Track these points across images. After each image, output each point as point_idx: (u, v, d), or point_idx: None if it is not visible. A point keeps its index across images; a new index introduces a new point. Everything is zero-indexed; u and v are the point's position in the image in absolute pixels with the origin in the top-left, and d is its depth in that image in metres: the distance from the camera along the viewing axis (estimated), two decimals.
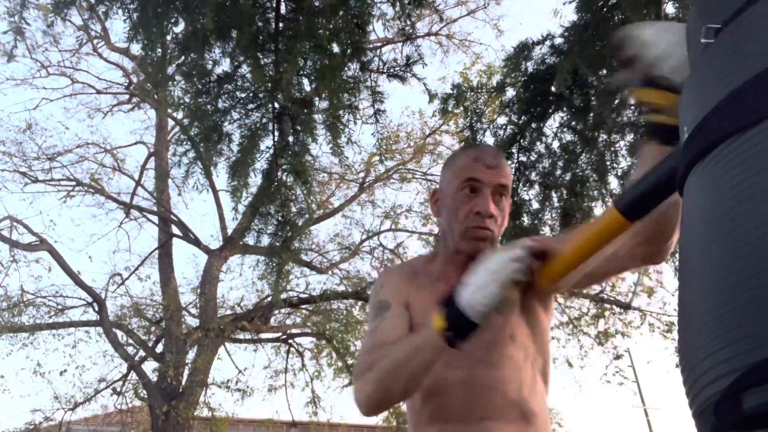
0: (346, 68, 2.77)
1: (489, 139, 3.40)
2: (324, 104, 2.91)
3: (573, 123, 3.24)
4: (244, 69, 2.76)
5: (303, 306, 9.80)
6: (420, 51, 2.86)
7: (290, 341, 9.99)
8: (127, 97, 10.80)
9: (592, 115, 3.13)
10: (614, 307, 8.70)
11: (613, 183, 3.34)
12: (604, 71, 3.09)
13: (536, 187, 3.35)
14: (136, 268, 9.95)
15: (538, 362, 1.15)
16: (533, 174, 3.32)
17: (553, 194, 3.33)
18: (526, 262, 0.94)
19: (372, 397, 1.04)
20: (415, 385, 1.02)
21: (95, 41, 10.04)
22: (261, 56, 2.67)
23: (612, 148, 3.35)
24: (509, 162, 3.32)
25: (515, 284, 0.94)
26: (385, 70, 2.89)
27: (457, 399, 1.07)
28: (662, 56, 0.85)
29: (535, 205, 3.34)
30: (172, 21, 2.53)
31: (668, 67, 0.85)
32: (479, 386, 1.07)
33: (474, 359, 1.08)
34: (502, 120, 3.37)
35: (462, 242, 1.15)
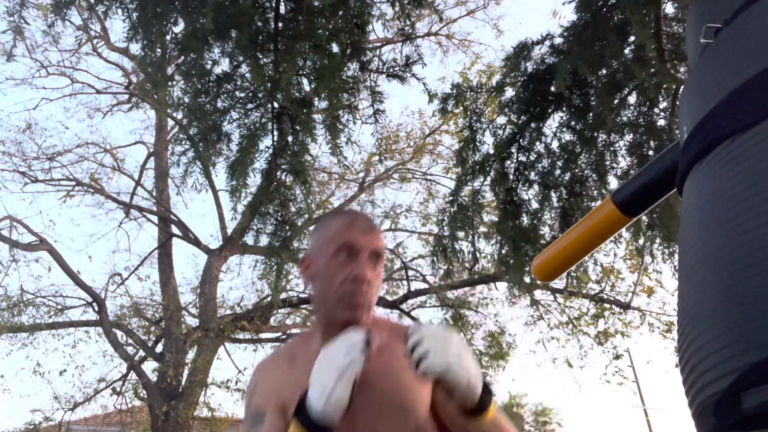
0: (345, 68, 2.77)
1: (488, 139, 3.40)
2: (323, 104, 2.91)
3: (572, 123, 3.24)
4: (244, 69, 2.76)
5: (303, 306, 9.80)
6: (419, 51, 2.86)
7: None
8: (126, 96, 10.82)
9: (591, 115, 3.13)
10: (614, 307, 8.70)
11: (613, 183, 3.34)
12: (604, 71, 3.09)
13: (535, 186, 3.34)
14: (136, 268, 9.96)
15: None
16: (532, 174, 3.32)
17: (552, 194, 3.33)
18: (364, 353, 0.98)
19: None
20: None
21: (95, 41, 10.05)
22: (260, 56, 2.67)
23: (611, 148, 3.35)
24: (508, 162, 3.32)
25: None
26: (384, 70, 2.89)
27: None
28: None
29: (535, 205, 3.34)
30: (172, 21, 2.53)
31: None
32: None
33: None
34: (501, 120, 3.37)
35: (338, 310, 1.11)
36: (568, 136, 3.29)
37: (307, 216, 3.03)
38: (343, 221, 1.15)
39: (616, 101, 3.22)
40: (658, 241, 3.51)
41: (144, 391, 8.36)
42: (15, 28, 2.27)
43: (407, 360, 1.07)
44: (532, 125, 3.24)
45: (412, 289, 9.62)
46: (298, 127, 2.85)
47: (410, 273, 9.68)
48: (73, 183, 9.98)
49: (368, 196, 11.16)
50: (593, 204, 3.25)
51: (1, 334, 8.27)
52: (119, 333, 8.76)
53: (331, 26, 2.65)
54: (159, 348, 8.96)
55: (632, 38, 2.96)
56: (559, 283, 7.65)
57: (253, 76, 2.68)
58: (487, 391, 1.01)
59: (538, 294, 8.60)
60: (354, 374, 0.96)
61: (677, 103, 3.10)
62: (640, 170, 0.81)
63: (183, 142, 2.90)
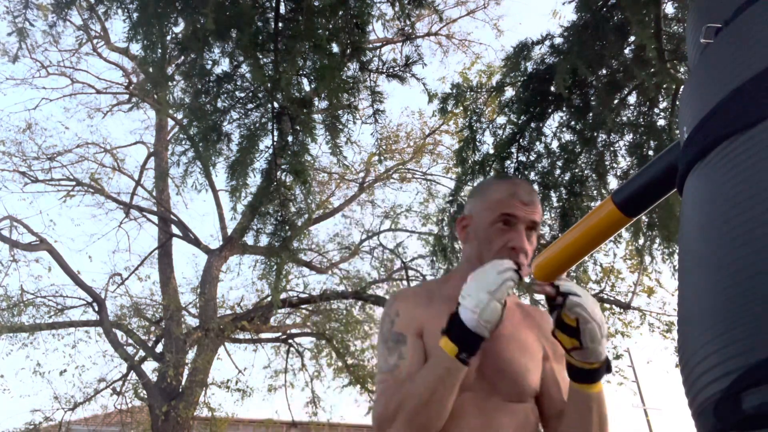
0: (345, 68, 2.77)
1: (488, 139, 3.40)
2: (323, 104, 2.91)
3: (572, 123, 3.24)
4: (244, 69, 2.76)
5: (303, 306, 9.80)
6: (419, 51, 2.86)
7: (290, 341, 9.98)
8: (126, 97, 10.81)
9: (591, 114, 3.13)
10: (614, 306, 8.70)
11: (613, 183, 3.34)
12: (604, 71, 3.09)
13: (535, 186, 3.34)
14: (136, 268, 9.95)
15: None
16: (532, 174, 3.32)
17: (552, 194, 3.33)
18: (515, 276, 1.02)
19: None
20: (445, 414, 1.03)
21: (95, 41, 10.04)
22: (260, 56, 2.67)
23: (611, 148, 3.35)
24: (508, 162, 3.32)
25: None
26: (384, 70, 2.89)
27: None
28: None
29: None
30: (172, 21, 2.53)
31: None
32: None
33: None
34: (501, 120, 3.37)
35: None
36: (568, 136, 3.29)
37: (307, 216, 3.03)
38: (504, 190, 1.19)
39: (616, 101, 3.22)
40: (658, 241, 3.51)
41: (144, 391, 8.35)
42: (19, 30, 2.26)
43: (530, 333, 1.17)
44: (532, 125, 3.24)
45: None
46: (298, 127, 2.85)
47: (410, 273, 9.68)
48: (73, 183, 9.98)
49: (368, 196, 11.16)
50: (593, 204, 3.25)
51: (1, 334, 8.26)
52: (119, 333, 8.75)
53: (331, 26, 2.65)
54: (159, 348, 8.96)
55: (632, 38, 2.96)
56: None
57: (253, 76, 2.68)
58: (606, 363, 1.05)
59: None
60: (507, 291, 1.01)
61: (677, 103, 3.09)
62: (640, 170, 0.81)
63: (183, 142, 2.90)
